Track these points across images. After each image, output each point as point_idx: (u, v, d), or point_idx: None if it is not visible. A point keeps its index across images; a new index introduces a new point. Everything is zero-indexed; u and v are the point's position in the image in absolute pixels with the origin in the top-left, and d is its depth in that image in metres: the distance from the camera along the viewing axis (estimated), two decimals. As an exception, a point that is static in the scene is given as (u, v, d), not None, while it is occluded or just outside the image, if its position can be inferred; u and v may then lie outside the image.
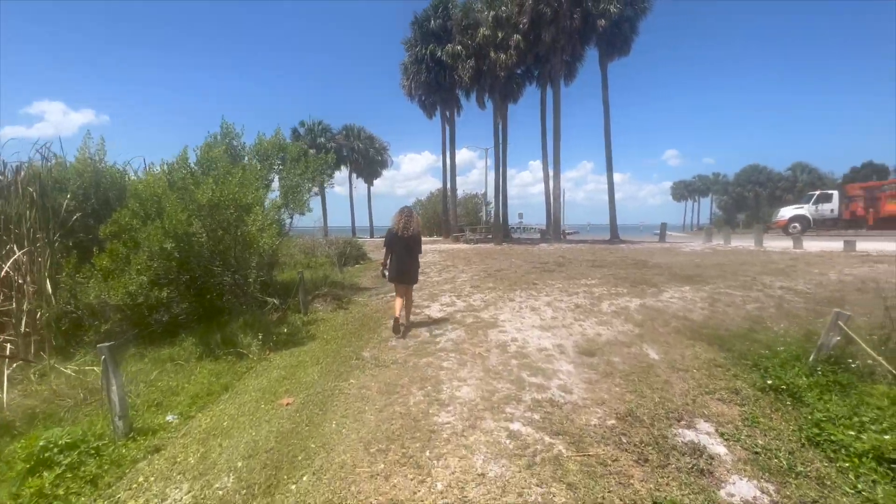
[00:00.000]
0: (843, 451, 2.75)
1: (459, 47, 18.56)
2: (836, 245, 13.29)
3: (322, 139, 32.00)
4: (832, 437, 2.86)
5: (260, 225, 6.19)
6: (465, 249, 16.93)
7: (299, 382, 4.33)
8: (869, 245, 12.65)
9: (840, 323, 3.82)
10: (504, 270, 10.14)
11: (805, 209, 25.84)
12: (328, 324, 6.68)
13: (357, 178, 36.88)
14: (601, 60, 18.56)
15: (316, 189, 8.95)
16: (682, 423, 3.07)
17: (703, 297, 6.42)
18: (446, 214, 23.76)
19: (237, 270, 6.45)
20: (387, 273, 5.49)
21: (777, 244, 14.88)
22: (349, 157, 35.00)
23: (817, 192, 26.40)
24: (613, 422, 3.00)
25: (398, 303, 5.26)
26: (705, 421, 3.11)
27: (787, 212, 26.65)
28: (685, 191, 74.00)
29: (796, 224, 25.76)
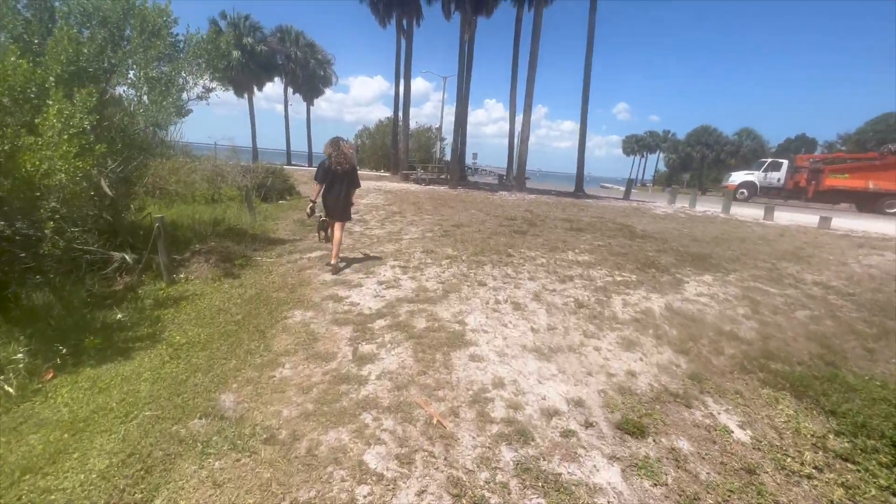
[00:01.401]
0: None
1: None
2: (805, 218, 12.66)
3: (249, 39, 26.17)
4: None
5: (54, 137, 3.38)
6: (416, 191, 14.47)
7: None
8: (839, 222, 12.07)
9: None
10: (465, 227, 8.02)
11: (755, 176, 26.03)
12: (198, 305, 4.24)
13: (294, 93, 31.60)
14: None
15: (204, 86, 5.92)
16: None
17: (735, 294, 4.79)
18: (396, 148, 20.72)
19: (19, 215, 3.68)
20: (316, 212, 5.10)
21: (745, 212, 14.10)
22: (284, 67, 29.45)
23: (769, 160, 26.56)
24: None
25: (336, 242, 5.00)
26: None
27: (737, 177, 26.78)
28: (636, 145, 74.84)
29: (744, 190, 26.05)
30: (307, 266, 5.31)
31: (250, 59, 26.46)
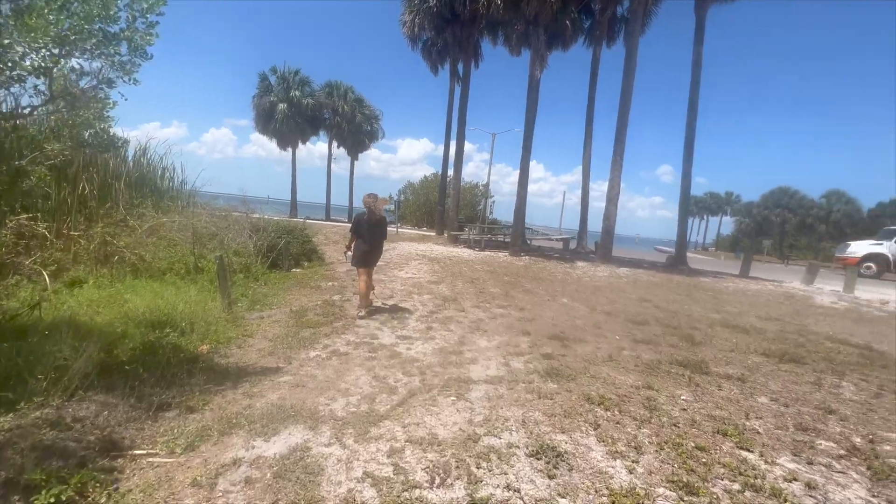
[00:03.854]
0: None
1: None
2: None
3: (297, 93, 25.53)
4: None
5: None
6: (470, 260, 11.16)
7: None
8: None
9: None
10: (572, 343, 4.50)
11: (885, 247, 20.96)
12: None
13: (338, 147, 30.58)
14: (699, 4, 12.62)
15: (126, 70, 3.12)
16: None
17: None
18: (443, 204, 17.96)
19: None
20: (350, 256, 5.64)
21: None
22: (331, 122, 28.63)
23: (901, 228, 21.48)
24: None
25: (363, 288, 5.38)
26: None
27: (860, 248, 21.71)
28: (694, 207, 69.72)
29: (871, 264, 20.93)
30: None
31: (296, 113, 25.62)
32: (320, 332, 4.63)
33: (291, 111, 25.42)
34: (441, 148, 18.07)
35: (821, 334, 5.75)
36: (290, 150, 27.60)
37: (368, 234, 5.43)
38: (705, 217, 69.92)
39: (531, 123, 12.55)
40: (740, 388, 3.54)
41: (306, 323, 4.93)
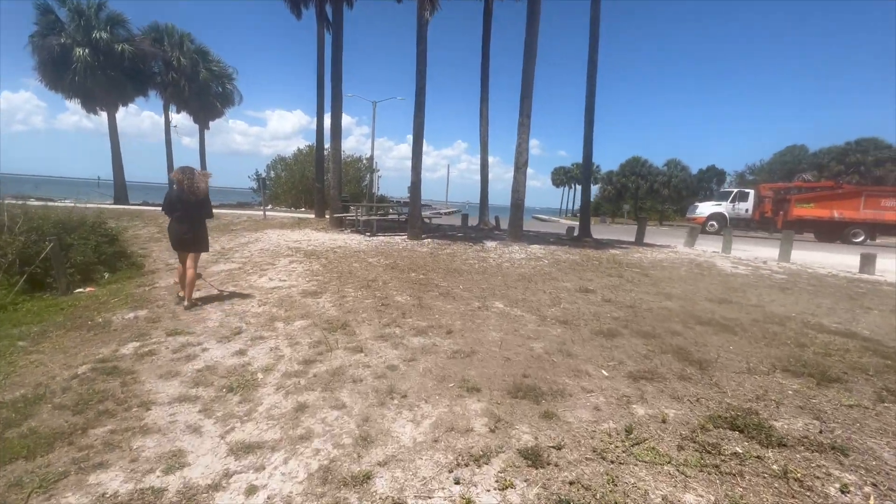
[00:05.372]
0: None
1: None
2: (836, 259, 9.26)
3: (104, 34, 18.76)
4: None
5: None
6: (361, 249, 8.76)
7: None
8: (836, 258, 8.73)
9: None
10: (562, 401, 2.62)
11: (723, 207, 24.36)
12: None
13: (178, 112, 24.19)
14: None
15: None
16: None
17: None
18: (322, 181, 14.88)
19: None
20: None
21: (760, 252, 10.54)
22: (163, 78, 22.22)
23: (735, 190, 25.11)
24: None
25: (182, 269, 4.85)
26: None
27: (705, 208, 24.96)
28: (564, 177, 76.19)
29: (713, 222, 24.20)
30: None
31: (107, 64, 19.07)
32: (48, 461, 2.01)
33: (98, 60, 18.74)
34: (315, 122, 14.78)
35: (795, 320, 4.97)
36: (103, 113, 20.75)
37: (186, 214, 4.78)
38: (574, 186, 77.04)
39: (422, 77, 10.36)
40: (862, 475, 2.09)
41: (17, 447, 2.21)
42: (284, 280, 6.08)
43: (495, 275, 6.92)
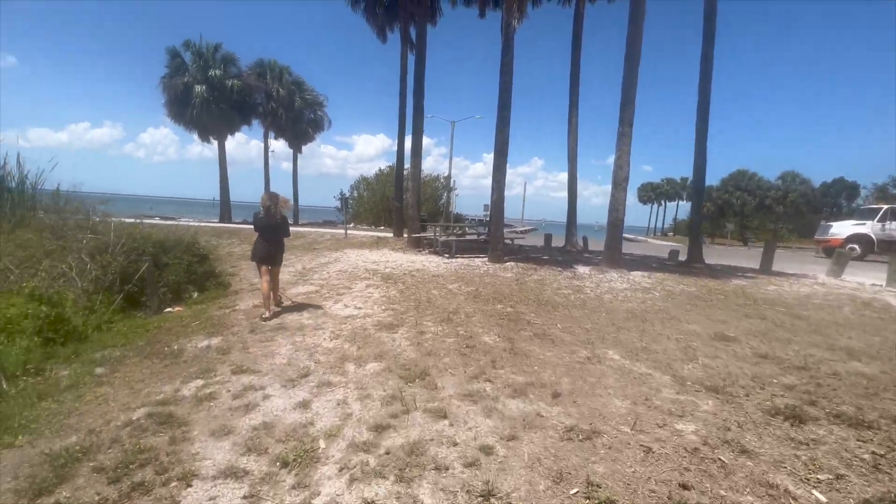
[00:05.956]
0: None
1: None
2: None
3: (218, 72, 21.16)
4: None
5: None
6: (440, 273, 8.14)
7: None
8: None
9: None
10: None
11: (868, 227, 20.03)
12: None
13: (276, 138, 26.39)
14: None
15: None
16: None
17: None
18: (401, 199, 14.81)
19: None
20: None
21: None
22: (264, 108, 24.45)
23: (885, 207, 20.54)
24: None
25: (264, 286, 5.18)
26: None
27: (842, 228, 20.66)
28: (652, 193, 70.35)
29: (854, 245, 19.93)
30: None
31: (220, 97, 21.36)
32: None
33: (213, 95, 21.09)
34: (397, 146, 14.88)
35: None
36: (215, 142, 23.24)
37: (269, 234, 5.36)
38: (663, 203, 70.86)
39: (507, 90, 9.66)
40: None
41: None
42: (360, 308, 5.60)
43: (597, 310, 5.80)
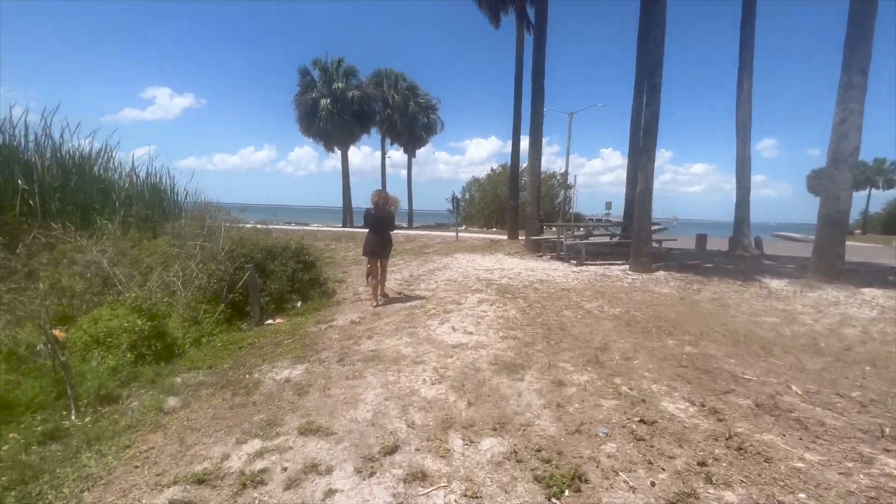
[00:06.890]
0: None
1: None
2: None
3: (340, 85, 22.41)
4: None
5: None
6: (570, 286, 6.49)
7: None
8: None
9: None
10: None
11: None
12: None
13: (391, 144, 27.19)
14: None
15: None
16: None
17: None
18: (516, 199, 13.36)
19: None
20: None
21: None
22: (381, 115, 25.29)
23: None
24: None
25: (374, 278, 5.80)
26: None
27: None
28: (818, 180, 56.03)
29: None
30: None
31: (342, 108, 22.60)
32: None
33: (336, 107, 22.40)
34: (510, 144, 13.59)
35: None
36: (338, 152, 24.75)
37: (379, 229, 5.77)
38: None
39: (659, 44, 7.49)
40: None
41: None
42: (471, 332, 4.35)
43: (842, 356, 3.58)
